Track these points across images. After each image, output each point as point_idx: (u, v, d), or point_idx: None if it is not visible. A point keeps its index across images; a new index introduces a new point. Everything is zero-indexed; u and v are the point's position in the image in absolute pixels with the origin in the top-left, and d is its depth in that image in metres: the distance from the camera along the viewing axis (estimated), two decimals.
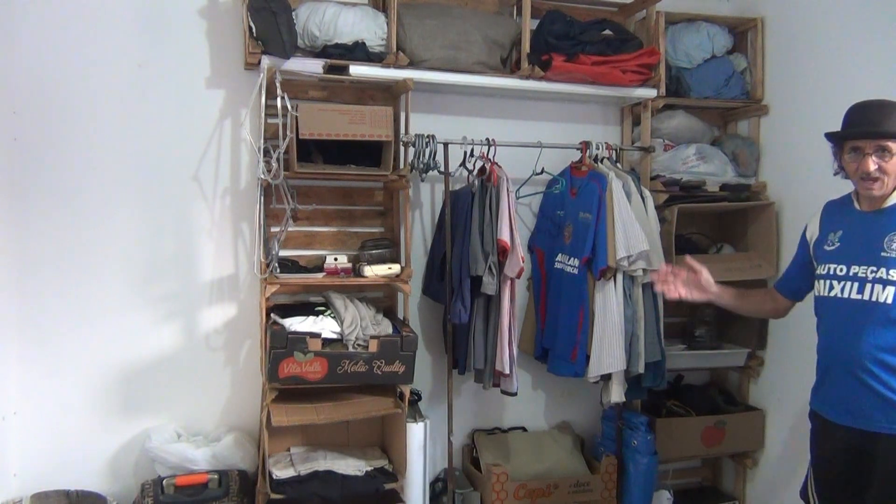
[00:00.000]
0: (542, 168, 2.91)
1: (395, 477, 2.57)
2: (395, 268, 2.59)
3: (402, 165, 2.66)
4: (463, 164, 2.77)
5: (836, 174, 2.02)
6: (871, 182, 1.89)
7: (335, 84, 2.79)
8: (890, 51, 2.51)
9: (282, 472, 2.50)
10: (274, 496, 2.41)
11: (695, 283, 2.21)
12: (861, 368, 1.88)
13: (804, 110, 2.87)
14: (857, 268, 1.91)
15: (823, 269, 2.00)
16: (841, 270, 1.95)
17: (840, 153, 1.98)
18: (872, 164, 1.87)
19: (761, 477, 3.12)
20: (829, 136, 2.00)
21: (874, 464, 1.86)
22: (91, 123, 2.59)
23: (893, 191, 1.91)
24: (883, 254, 1.86)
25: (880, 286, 1.85)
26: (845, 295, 1.93)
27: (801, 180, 2.86)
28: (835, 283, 1.96)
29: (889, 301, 1.84)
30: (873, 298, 1.86)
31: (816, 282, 2.04)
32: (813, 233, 2.10)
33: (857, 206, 1.99)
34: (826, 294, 1.99)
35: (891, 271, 1.84)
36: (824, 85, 2.78)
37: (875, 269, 1.87)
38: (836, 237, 2.01)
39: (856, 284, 1.91)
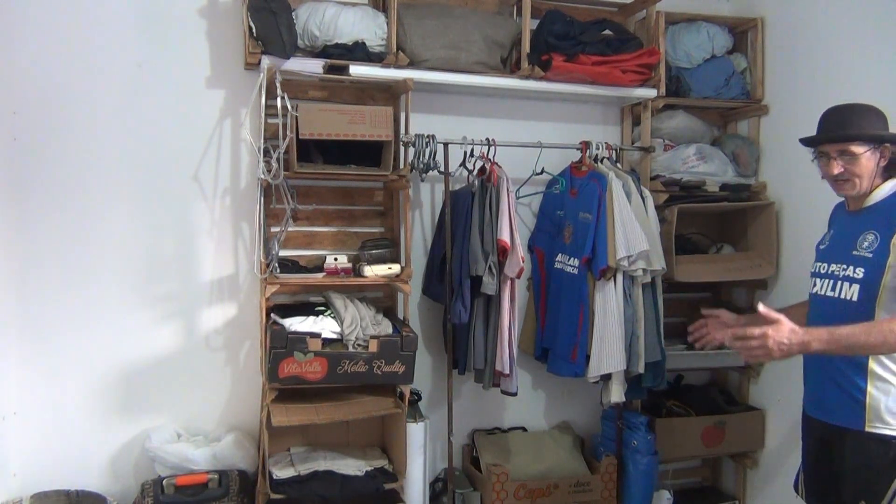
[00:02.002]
0: (542, 168, 2.91)
1: (395, 477, 2.57)
2: (395, 268, 2.59)
3: (402, 165, 2.66)
4: (463, 164, 2.77)
5: (823, 178, 2.06)
6: (843, 183, 1.94)
7: (335, 84, 2.79)
8: (890, 51, 2.51)
9: (282, 472, 2.50)
10: (274, 496, 2.41)
11: (721, 324, 2.24)
12: (830, 364, 1.93)
13: (804, 110, 2.86)
14: (834, 266, 1.96)
15: (813, 267, 2.06)
16: (823, 269, 2.00)
17: (818, 158, 2.02)
18: (837, 168, 1.92)
19: (761, 477, 3.12)
20: (803, 143, 2.04)
21: (843, 457, 1.91)
22: (91, 123, 2.59)
23: (874, 190, 1.93)
24: (854, 252, 1.90)
25: (847, 284, 1.90)
26: (822, 292, 1.98)
27: (801, 180, 2.86)
28: (817, 280, 2.01)
29: (854, 299, 1.87)
30: (842, 296, 1.91)
31: (810, 279, 2.09)
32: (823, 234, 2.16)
33: (846, 206, 2.03)
34: (812, 291, 2.05)
35: (857, 269, 1.87)
36: (824, 85, 2.78)
37: (845, 266, 1.91)
38: (828, 237, 2.07)
39: (830, 282, 1.96)
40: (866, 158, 1.90)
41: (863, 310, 1.85)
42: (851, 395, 1.87)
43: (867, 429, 1.84)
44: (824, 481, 2.00)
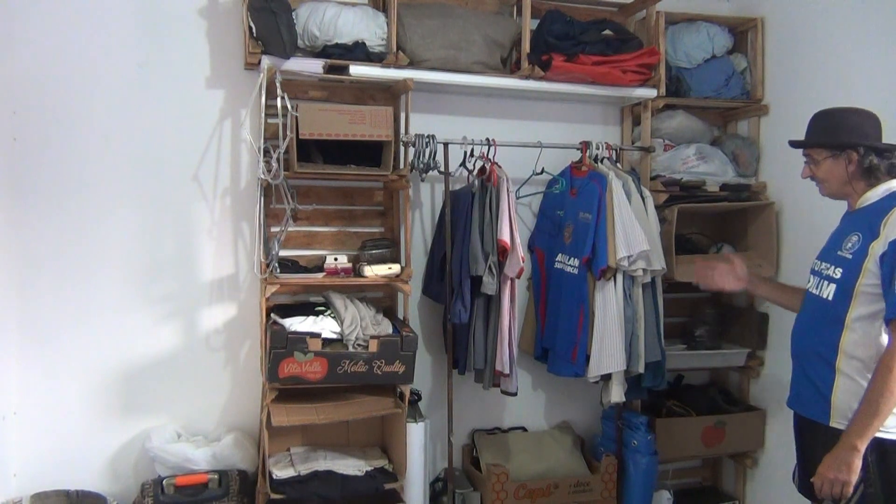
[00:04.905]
0: (542, 168, 2.91)
1: (395, 477, 2.57)
2: (395, 268, 2.59)
3: (402, 165, 2.66)
4: (463, 164, 2.77)
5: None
6: (818, 185, 2.03)
7: (335, 84, 2.79)
8: (889, 51, 2.52)
9: (282, 472, 2.50)
10: (274, 496, 2.41)
11: (731, 273, 2.33)
12: (805, 360, 1.99)
13: (804, 110, 2.83)
14: (824, 264, 2.00)
15: (812, 265, 2.09)
16: (816, 266, 2.04)
17: None
18: (806, 172, 2.03)
19: (761, 477, 3.12)
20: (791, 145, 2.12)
21: (812, 450, 1.97)
22: (91, 123, 2.59)
23: (865, 193, 1.95)
24: (838, 252, 1.94)
25: (826, 283, 1.95)
26: (810, 289, 2.04)
27: (801, 180, 2.84)
28: (811, 277, 2.06)
29: (830, 298, 1.92)
30: (821, 294, 1.95)
31: None
32: None
33: (847, 207, 2.06)
34: (806, 287, 2.09)
35: (836, 269, 1.92)
36: (824, 85, 2.78)
37: (829, 266, 1.96)
38: (830, 235, 2.09)
39: (817, 280, 2.00)
40: (829, 164, 1.96)
41: (837, 310, 1.89)
42: (819, 390, 1.92)
43: (831, 424, 1.89)
44: (806, 472, 2.05)
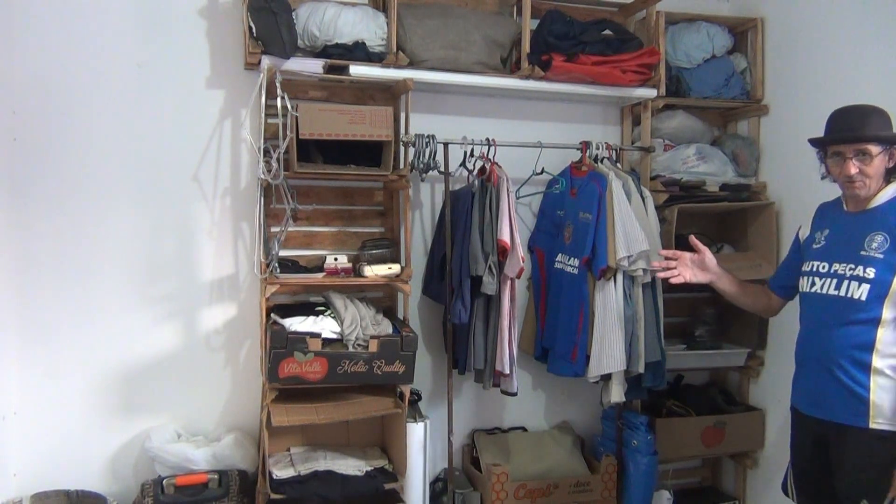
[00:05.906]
0: (542, 168, 2.91)
1: (395, 477, 2.57)
2: (395, 268, 2.59)
3: (402, 165, 2.66)
4: (463, 164, 2.77)
5: (823, 178, 2.07)
6: (855, 184, 1.95)
7: (335, 84, 2.79)
8: (890, 51, 2.52)
9: (282, 472, 2.50)
10: (274, 496, 2.41)
11: (698, 263, 2.30)
12: (832, 362, 1.94)
13: (804, 110, 2.87)
14: (837, 265, 1.97)
15: (808, 266, 2.06)
16: (823, 268, 2.01)
17: (825, 158, 2.03)
18: (853, 168, 1.93)
19: (761, 477, 3.12)
20: (813, 142, 2.05)
21: (843, 454, 1.92)
22: (91, 123, 2.59)
23: (878, 192, 1.95)
24: (862, 252, 1.92)
25: (856, 283, 1.91)
26: (824, 291, 1.99)
27: (801, 180, 2.86)
28: (816, 279, 2.02)
29: (863, 298, 1.89)
30: (849, 295, 1.92)
31: (801, 278, 2.10)
32: (804, 233, 2.17)
33: (844, 207, 2.05)
34: (808, 290, 2.05)
35: (867, 269, 1.89)
36: (824, 85, 2.78)
37: (853, 266, 1.93)
38: (823, 236, 2.07)
39: (835, 281, 1.97)
40: (879, 159, 1.93)
41: (870, 308, 1.87)
42: (854, 392, 1.89)
43: (871, 426, 1.86)
44: (819, 480, 2.01)
